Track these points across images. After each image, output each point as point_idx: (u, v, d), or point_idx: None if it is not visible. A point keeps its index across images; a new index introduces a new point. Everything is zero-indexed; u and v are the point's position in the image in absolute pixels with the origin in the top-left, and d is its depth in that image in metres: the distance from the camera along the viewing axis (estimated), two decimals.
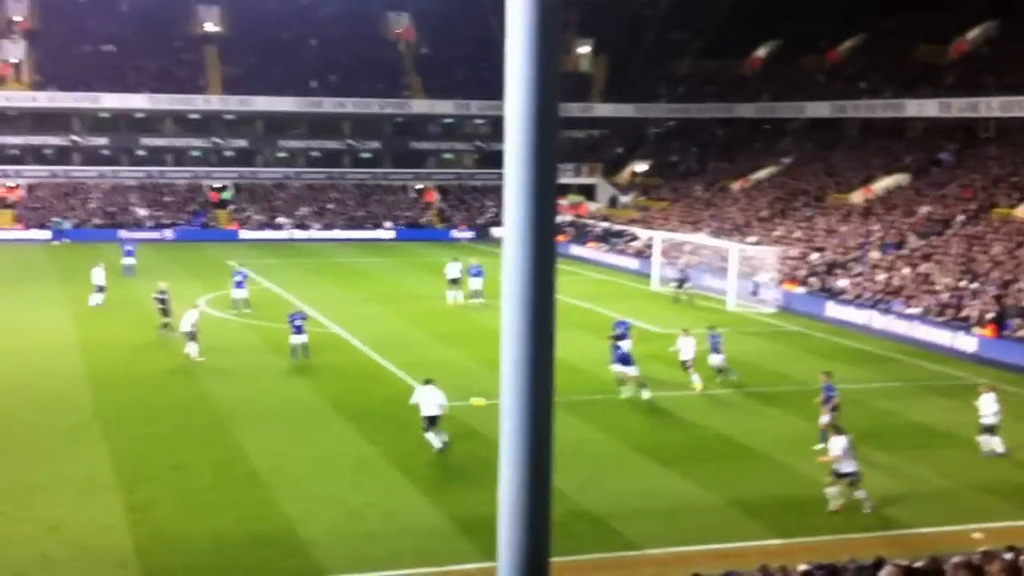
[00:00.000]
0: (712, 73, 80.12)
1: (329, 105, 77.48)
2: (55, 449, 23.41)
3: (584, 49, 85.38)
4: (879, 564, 14.77)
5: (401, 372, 31.17)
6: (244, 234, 70.24)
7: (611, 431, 25.85)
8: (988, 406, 24.54)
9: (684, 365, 30.59)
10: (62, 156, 75.25)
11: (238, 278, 42.42)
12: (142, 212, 71.47)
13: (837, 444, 21.12)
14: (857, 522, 20.20)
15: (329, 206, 75.35)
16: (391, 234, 72.59)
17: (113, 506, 20.03)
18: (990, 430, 24.53)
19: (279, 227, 72.00)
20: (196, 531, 18.91)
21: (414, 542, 18.75)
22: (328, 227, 72.82)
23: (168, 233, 69.00)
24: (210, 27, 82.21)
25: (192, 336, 32.43)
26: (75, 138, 75.29)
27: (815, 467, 23.44)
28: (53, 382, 29.40)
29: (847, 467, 20.86)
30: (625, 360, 29.32)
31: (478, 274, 45.03)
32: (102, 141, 75.83)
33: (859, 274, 45.93)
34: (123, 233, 66.73)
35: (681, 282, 47.88)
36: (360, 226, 73.58)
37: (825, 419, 24.43)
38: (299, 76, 78.38)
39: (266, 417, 26.31)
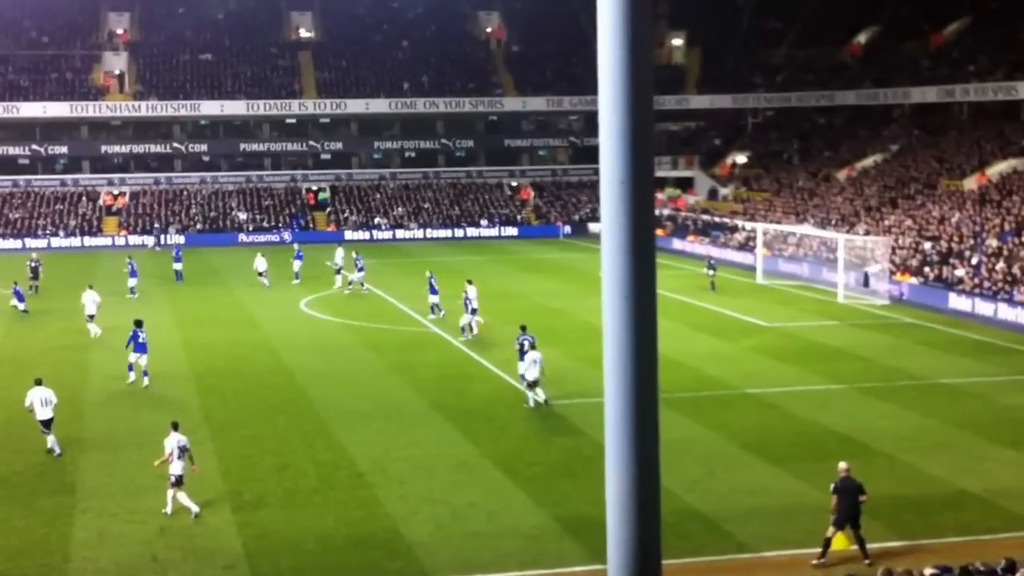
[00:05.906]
0: (810, 60, 78.46)
1: (422, 105, 77.65)
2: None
3: (677, 41, 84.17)
4: (1012, 567, 13.77)
5: (499, 370, 30.76)
6: (352, 235, 70.81)
7: (718, 428, 25.10)
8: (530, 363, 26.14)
9: (469, 310, 35.04)
10: (164, 163, 76.75)
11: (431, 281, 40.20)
12: (243, 216, 72.44)
13: (170, 442, 19.65)
14: (985, 523, 19.13)
15: (425, 205, 75.50)
16: (495, 231, 72.66)
17: (221, 507, 20.06)
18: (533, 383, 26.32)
19: (376, 227, 72.30)
20: (302, 532, 18.84)
21: (519, 543, 18.38)
22: (424, 226, 72.94)
23: (286, 235, 69.69)
24: (304, 33, 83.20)
25: (91, 318, 35.84)
26: (176, 145, 76.72)
27: (936, 465, 22.38)
28: (161, 383, 29.60)
29: (176, 469, 19.31)
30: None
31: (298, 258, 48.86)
32: (202, 148, 77.14)
33: (977, 263, 44.12)
34: (243, 237, 69.43)
35: (710, 269, 47.73)
36: (456, 224, 73.55)
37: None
38: (391, 78, 78.84)
39: (367, 417, 26.16)
